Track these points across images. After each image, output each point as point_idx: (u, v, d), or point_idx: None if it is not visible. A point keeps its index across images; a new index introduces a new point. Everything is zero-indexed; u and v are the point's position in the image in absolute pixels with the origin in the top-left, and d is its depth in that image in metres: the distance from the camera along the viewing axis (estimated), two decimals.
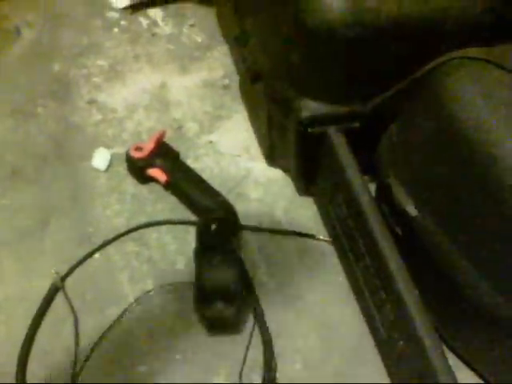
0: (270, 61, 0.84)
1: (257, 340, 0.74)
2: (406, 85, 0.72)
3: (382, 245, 0.68)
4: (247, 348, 0.73)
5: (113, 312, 0.76)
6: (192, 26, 1.19)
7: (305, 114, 0.78)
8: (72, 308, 0.76)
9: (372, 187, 0.78)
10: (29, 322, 0.75)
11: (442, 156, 0.65)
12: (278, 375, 0.72)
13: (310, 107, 0.78)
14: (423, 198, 0.68)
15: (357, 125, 0.79)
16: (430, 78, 0.69)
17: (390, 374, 0.73)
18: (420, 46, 0.71)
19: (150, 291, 0.78)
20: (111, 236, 0.84)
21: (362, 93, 0.77)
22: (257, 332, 0.75)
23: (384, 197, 0.74)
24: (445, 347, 0.73)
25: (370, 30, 0.70)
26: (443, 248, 0.66)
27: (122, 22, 1.19)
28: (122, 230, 0.85)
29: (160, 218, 0.87)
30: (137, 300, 0.77)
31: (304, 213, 0.89)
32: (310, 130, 0.78)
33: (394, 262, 0.66)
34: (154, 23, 1.19)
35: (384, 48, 0.72)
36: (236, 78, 1.06)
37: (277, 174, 0.94)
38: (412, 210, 0.69)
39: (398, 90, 0.73)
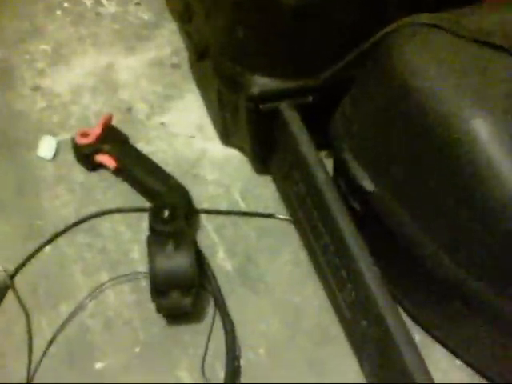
0: (215, 36, 0.82)
1: (218, 327, 0.72)
2: (357, 55, 0.70)
3: (340, 222, 0.67)
4: (209, 336, 0.71)
5: (67, 307, 0.74)
6: (138, 3, 1.15)
7: (254, 90, 0.76)
8: (23, 306, 0.73)
9: (329, 165, 0.76)
10: None
11: (396, 127, 0.64)
12: (242, 362, 0.71)
13: (260, 83, 0.76)
14: (379, 171, 0.67)
15: (309, 99, 0.77)
16: (381, 47, 0.67)
17: (356, 353, 0.72)
18: (368, 13, 0.70)
19: (104, 283, 0.75)
20: (61, 228, 0.81)
21: (313, 66, 0.75)
22: (218, 319, 0.73)
23: (341, 172, 0.73)
24: (410, 322, 0.73)
25: None
26: (401, 222, 0.65)
27: (65, 4, 1.15)
28: (72, 220, 0.82)
29: (112, 206, 0.84)
30: (91, 293, 0.74)
31: (263, 192, 0.87)
32: (261, 106, 0.77)
33: (352, 240, 0.65)
34: (98, 2, 1.15)
35: (331, 17, 0.70)
36: (185, 56, 1.03)
37: (233, 153, 0.92)
38: (368, 185, 0.68)
39: (348, 61, 0.71)
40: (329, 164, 0.77)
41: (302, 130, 0.74)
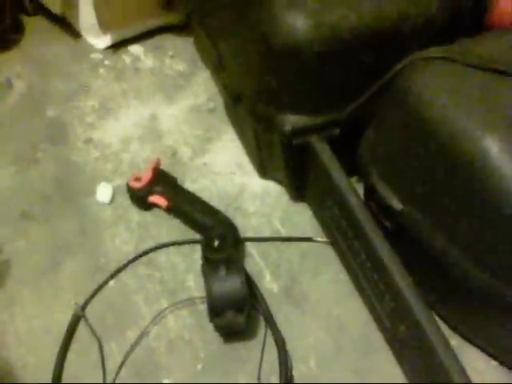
0: (247, 83, 0.90)
1: (270, 343, 0.79)
2: (376, 89, 0.77)
3: (374, 240, 0.73)
4: (262, 352, 0.78)
5: (133, 333, 0.81)
6: (172, 56, 1.25)
7: (286, 127, 0.83)
8: (95, 334, 0.81)
9: (360, 189, 0.84)
10: (54, 351, 0.80)
11: (415, 151, 0.71)
12: (294, 374, 0.77)
13: (291, 121, 0.83)
14: (405, 191, 0.74)
15: (337, 131, 0.84)
16: (397, 80, 0.74)
17: (397, 360, 0.78)
18: (383, 52, 0.76)
19: (164, 309, 0.83)
20: (123, 263, 0.89)
21: (337, 102, 0.82)
22: (269, 336, 0.80)
23: (371, 195, 0.80)
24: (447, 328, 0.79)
25: (334, 43, 0.75)
26: (428, 235, 0.71)
27: (106, 62, 1.25)
28: (132, 256, 0.90)
29: (166, 240, 0.92)
30: (154, 319, 0.82)
31: (301, 218, 0.95)
32: (293, 141, 0.84)
33: (386, 255, 0.72)
34: (137, 59, 1.25)
35: (350, 58, 0.77)
36: (220, 101, 1.12)
37: (271, 185, 1.00)
38: (397, 205, 0.74)
39: (369, 95, 0.78)
40: (359, 188, 0.83)
41: (333, 160, 0.81)
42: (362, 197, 0.81)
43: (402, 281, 0.70)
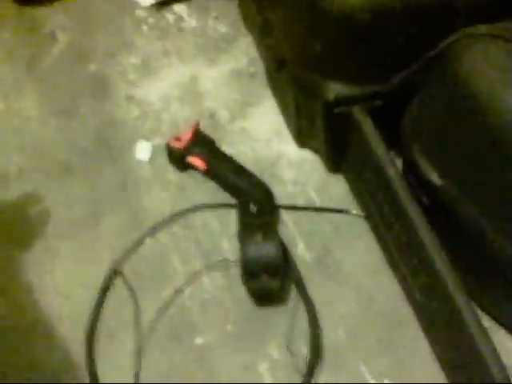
0: (293, 48, 0.89)
1: (301, 310, 0.81)
2: (423, 62, 0.76)
3: (411, 214, 0.73)
4: (293, 317, 0.80)
5: (168, 291, 0.84)
6: (216, 18, 1.24)
7: (330, 96, 0.83)
8: (130, 290, 0.83)
9: (398, 162, 0.83)
10: (90, 305, 0.83)
11: (461, 126, 0.70)
12: (323, 341, 0.79)
13: (335, 89, 0.83)
14: (446, 167, 0.73)
15: (380, 103, 0.83)
16: (446, 55, 0.73)
17: (426, 334, 0.79)
18: (433, 26, 0.75)
19: (199, 270, 0.85)
20: (159, 222, 0.90)
21: (383, 73, 0.81)
22: (300, 302, 0.81)
23: (410, 169, 0.79)
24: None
25: (386, 12, 0.74)
26: (466, 212, 0.71)
27: (150, 20, 1.24)
28: (168, 215, 0.91)
29: (201, 202, 0.93)
30: (188, 279, 0.84)
31: (336, 190, 0.95)
32: (335, 110, 0.83)
33: (423, 229, 0.72)
34: (180, 18, 1.24)
35: (399, 29, 0.76)
36: (261, 66, 1.11)
37: (308, 154, 0.99)
38: (436, 180, 0.74)
39: (416, 67, 0.77)
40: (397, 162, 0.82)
41: (374, 131, 0.80)
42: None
43: (438, 257, 0.70)
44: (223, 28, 1.22)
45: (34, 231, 0.92)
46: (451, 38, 0.73)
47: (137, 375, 0.77)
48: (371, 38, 0.77)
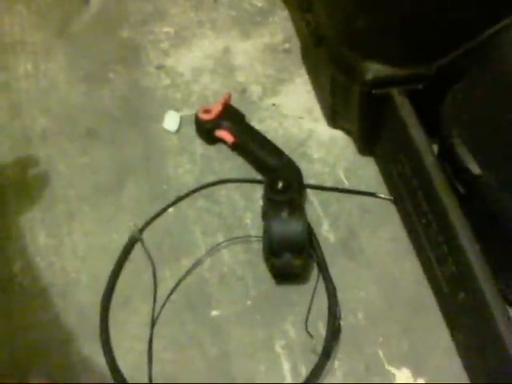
0: (333, 25, 0.87)
1: (321, 290, 0.79)
2: (473, 46, 0.74)
3: (446, 202, 0.72)
4: (312, 297, 0.78)
5: (187, 261, 0.82)
6: None
7: (369, 76, 0.81)
8: (150, 257, 0.82)
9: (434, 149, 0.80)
10: (108, 270, 0.82)
11: (505, 115, 0.67)
12: (342, 323, 0.77)
13: (374, 69, 0.81)
14: (487, 156, 0.71)
15: (420, 86, 0.81)
16: (495, 41, 0.70)
17: (448, 324, 0.77)
18: (482, 10, 0.72)
19: (220, 243, 0.84)
20: (183, 193, 0.89)
21: (426, 55, 0.79)
22: (321, 283, 0.80)
23: (447, 156, 0.77)
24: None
25: None
26: (504, 205, 0.68)
27: None
28: (193, 187, 0.90)
29: (228, 176, 0.92)
30: (209, 251, 0.83)
31: (365, 172, 0.93)
32: (374, 91, 0.81)
33: (457, 219, 0.70)
34: None
35: (449, 10, 0.73)
36: (296, 42, 1.09)
37: (338, 134, 0.97)
38: (475, 169, 0.71)
39: (464, 51, 0.75)
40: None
41: (412, 115, 0.78)
42: None
43: (470, 247, 0.68)
44: (259, 2, 1.20)
45: (56, 194, 0.91)
46: (502, 23, 0.71)
47: (150, 343, 0.76)
48: (417, 16, 0.75)
